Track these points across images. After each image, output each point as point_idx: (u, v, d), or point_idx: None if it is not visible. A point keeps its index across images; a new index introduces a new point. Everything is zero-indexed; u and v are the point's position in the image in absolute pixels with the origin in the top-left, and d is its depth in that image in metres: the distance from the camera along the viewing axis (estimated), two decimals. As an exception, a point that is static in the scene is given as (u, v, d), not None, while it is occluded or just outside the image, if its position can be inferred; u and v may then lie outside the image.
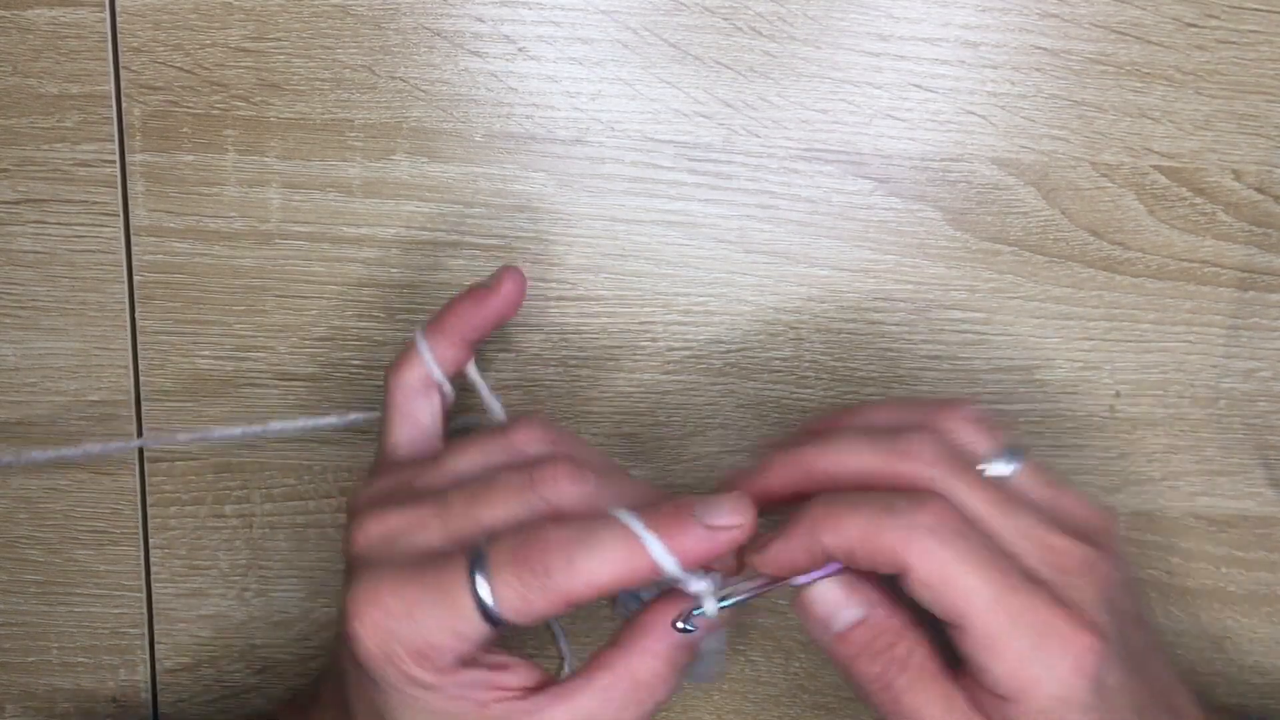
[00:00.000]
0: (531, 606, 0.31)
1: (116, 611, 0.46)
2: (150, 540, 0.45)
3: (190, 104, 0.40)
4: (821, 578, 0.33)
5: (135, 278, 0.42)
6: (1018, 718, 0.31)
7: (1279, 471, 0.43)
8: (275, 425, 0.42)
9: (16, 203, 0.41)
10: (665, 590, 0.33)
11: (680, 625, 0.32)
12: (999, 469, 0.33)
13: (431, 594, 0.31)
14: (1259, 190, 0.41)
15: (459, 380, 0.38)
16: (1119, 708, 0.32)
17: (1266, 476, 0.43)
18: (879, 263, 0.41)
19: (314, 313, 0.42)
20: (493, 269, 0.42)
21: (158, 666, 0.47)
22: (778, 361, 0.43)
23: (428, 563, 0.31)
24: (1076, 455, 0.43)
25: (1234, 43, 0.39)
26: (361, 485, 0.36)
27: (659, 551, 0.31)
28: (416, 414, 0.37)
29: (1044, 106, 0.40)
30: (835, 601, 0.33)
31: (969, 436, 0.33)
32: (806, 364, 0.42)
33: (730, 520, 0.31)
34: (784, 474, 0.33)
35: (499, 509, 0.32)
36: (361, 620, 0.31)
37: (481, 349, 0.42)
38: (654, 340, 0.42)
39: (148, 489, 0.45)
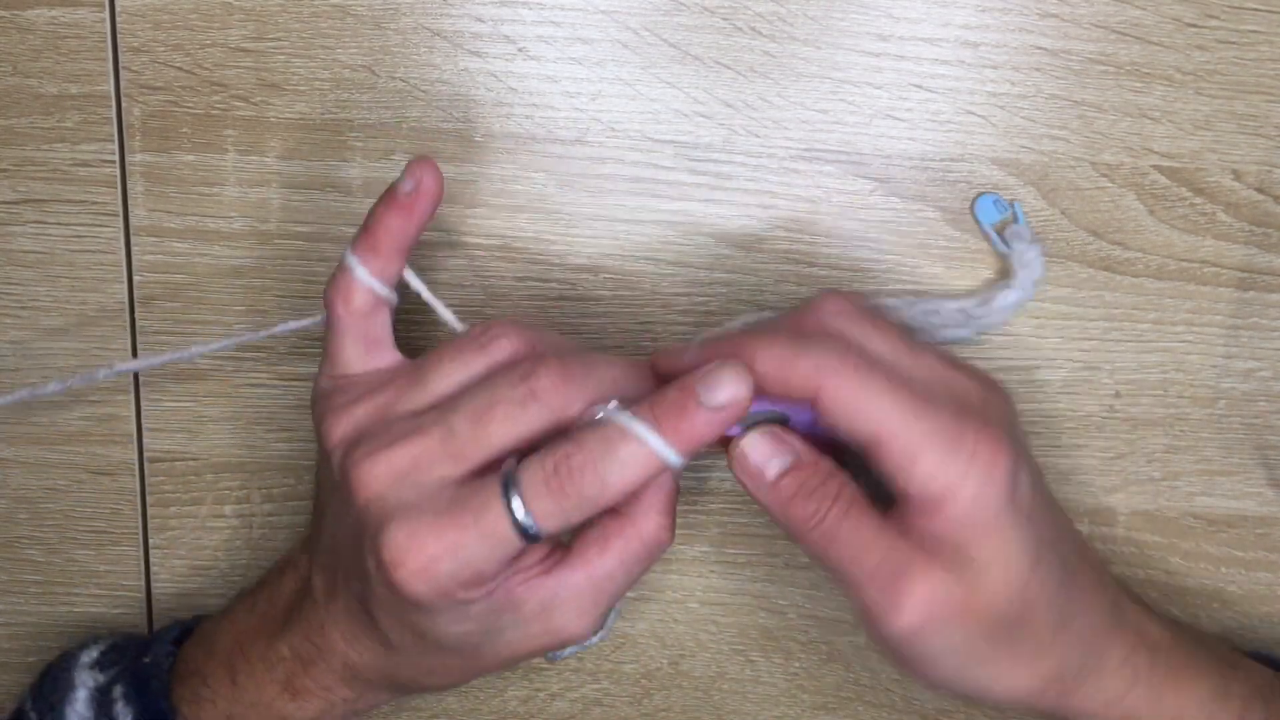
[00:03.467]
0: (570, 522, 0.33)
1: (116, 611, 0.46)
2: (150, 540, 0.45)
3: (190, 104, 0.40)
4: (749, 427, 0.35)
5: (135, 278, 0.42)
6: (943, 529, 0.33)
7: (1279, 471, 0.43)
8: (244, 337, 0.42)
9: (16, 203, 0.41)
10: None
11: None
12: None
13: (472, 529, 0.32)
14: (1259, 190, 0.41)
15: (399, 288, 0.38)
16: (1035, 520, 0.34)
17: (1266, 476, 0.43)
18: (879, 263, 0.41)
19: (314, 312, 0.42)
20: (493, 268, 0.42)
21: (158, 666, 0.47)
22: (778, 361, 0.43)
23: (458, 498, 0.33)
24: (1076, 455, 0.43)
25: (1234, 43, 0.39)
26: (329, 412, 0.36)
27: (671, 456, 0.33)
28: (367, 330, 0.37)
29: (1044, 106, 0.40)
30: (766, 451, 0.35)
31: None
32: (806, 364, 0.42)
33: (733, 396, 0.32)
34: (708, 357, 0.34)
35: (505, 426, 0.33)
36: (409, 569, 0.32)
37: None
38: (654, 340, 0.42)
39: (148, 489, 0.45)
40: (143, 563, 0.46)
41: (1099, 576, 0.37)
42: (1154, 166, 0.40)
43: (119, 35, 0.40)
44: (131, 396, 0.43)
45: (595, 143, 0.40)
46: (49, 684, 0.41)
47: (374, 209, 0.37)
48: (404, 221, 0.36)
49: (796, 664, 0.46)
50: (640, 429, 0.33)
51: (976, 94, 0.40)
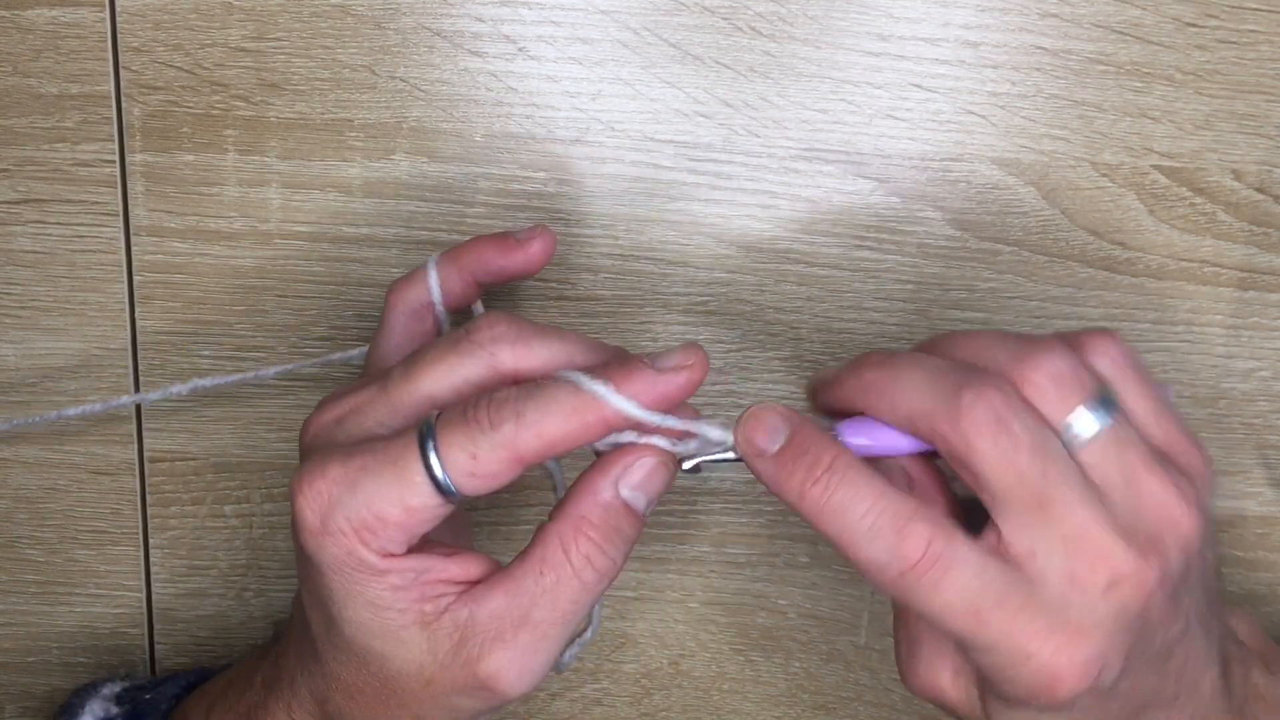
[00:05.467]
0: (481, 467, 0.30)
1: (116, 611, 0.46)
2: (150, 540, 0.45)
3: (190, 104, 0.40)
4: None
5: (135, 278, 0.42)
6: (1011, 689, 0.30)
7: (1279, 471, 0.43)
8: (270, 370, 0.41)
9: (16, 203, 0.41)
10: (600, 452, 0.32)
11: (687, 467, 0.32)
12: (1082, 427, 0.30)
13: (378, 462, 0.30)
14: (1259, 190, 0.41)
15: (460, 316, 0.37)
16: (1118, 694, 0.31)
17: (1266, 476, 0.43)
18: (879, 263, 0.41)
19: (314, 313, 0.42)
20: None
21: (158, 666, 0.47)
22: (777, 362, 0.43)
23: (378, 440, 0.31)
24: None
25: (1234, 43, 0.39)
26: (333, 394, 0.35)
27: (614, 397, 0.30)
28: (409, 333, 0.36)
29: (1044, 106, 0.40)
30: (769, 430, 0.32)
31: (1049, 394, 0.30)
32: (806, 364, 0.42)
33: (680, 360, 0.31)
34: (837, 396, 0.33)
35: (438, 371, 0.31)
36: (304, 494, 0.30)
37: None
38: (654, 340, 0.42)
39: (148, 489, 0.45)
40: (143, 563, 0.46)
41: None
42: (1154, 166, 0.40)
43: (119, 35, 0.40)
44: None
45: (595, 143, 0.40)
46: (64, 709, 0.41)
47: (478, 237, 0.37)
48: (497, 254, 0.36)
49: (796, 664, 0.46)
50: (573, 373, 0.30)
51: (976, 94, 0.40)
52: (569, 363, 0.32)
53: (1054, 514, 0.30)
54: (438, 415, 0.31)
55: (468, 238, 0.41)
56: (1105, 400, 0.30)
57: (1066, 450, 0.30)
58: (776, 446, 0.31)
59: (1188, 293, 0.42)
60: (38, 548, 0.45)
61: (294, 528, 0.31)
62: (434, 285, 0.36)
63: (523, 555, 0.32)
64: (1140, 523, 0.30)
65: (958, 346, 0.32)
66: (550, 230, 0.37)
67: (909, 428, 0.31)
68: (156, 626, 0.46)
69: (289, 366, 0.42)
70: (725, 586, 0.45)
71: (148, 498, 0.45)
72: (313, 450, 0.32)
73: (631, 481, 0.32)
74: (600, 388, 0.30)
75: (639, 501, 0.32)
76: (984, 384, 0.30)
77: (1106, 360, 0.31)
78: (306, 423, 0.33)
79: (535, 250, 0.36)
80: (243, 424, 0.44)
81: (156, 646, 0.47)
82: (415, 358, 0.32)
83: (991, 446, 0.29)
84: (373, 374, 0.35)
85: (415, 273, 0.37)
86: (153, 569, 0.46)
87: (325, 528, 0.30)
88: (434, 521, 0.31)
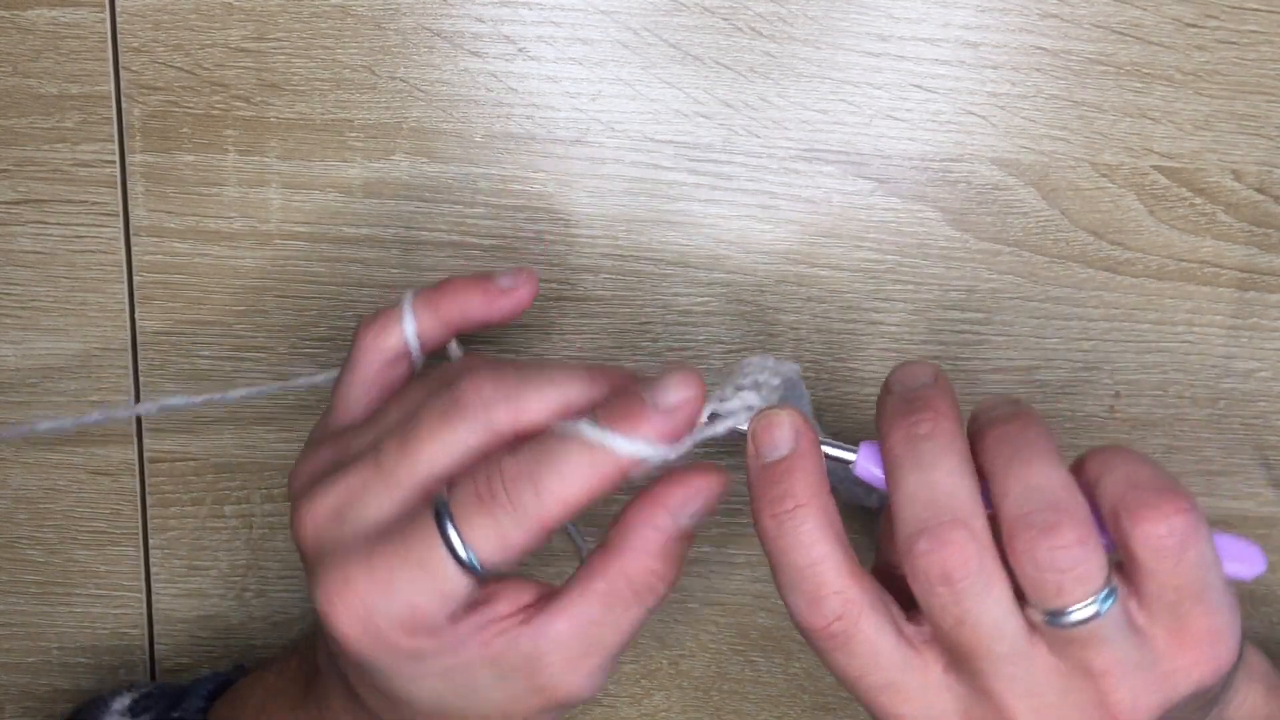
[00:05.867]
0: (511, 545, 0.29)
1: (116, 611, 0.46)
2: (150, 540, 0.45)
3: (190, 104, 0.40)
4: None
5: (135, 278, 0.42)
6: None
7: (1279, 471, 0.43)
8: (238, 393, 0.41)
9: (16, 203, 0.41)
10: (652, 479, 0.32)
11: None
12: (1080, 613, 0.29)
13: (403, 561, 0.29)
14: (1259, 190, 0.41)
15: (434, 357, 0.36)
16: None
17: (1266, 476, 0.43)
18: (879, 263, 0.41)
19: (314, 313, 0.42)
20: (492, 268, 0.42)
21: (157, 666, 0.47)
22: (778, 361, 0.43)
23: (390, 530, 0.30)
24: (1076, 455, 0.43)
25: (1234, 43, 0.39)
26: (301, 458, 0.34)
27: (627, 446, 0.29)
28: (381, 377, 0.35)
29: (1044, 106, 0.40)
30: (780, 438, 0.31)
31: (1048, 570, 0.29)
32: (806, 364, 0.42)
33: (682, 396, 0.30)
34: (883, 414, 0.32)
35: (435, 446, 0.30)
36: (337, 610, 0.30)
37: (477, 346, 0.42)
38: (654, 340, 0.42)
39: (148, 489, 0.45)
40: (143, 563, 0.46)
41: None
42: (1154, 166, 0.40)
43: (119, 35, 0.40)
44: (131, 397, 0.43)
45: (595, 143, 0.40)
46: None
47: (455, 279, 0.35)
48: (479, 303, 0.34)
49: (796, 664, 0.46)
50: (579, 426, 0.29)
51: (976, 94, 0.40)
52: (565, 407, 0.31)
53: (971, 668, 0.30)
54: (448, 492, 0.30)
55: (467, 238, 0.41)
56: (1110, 593, 0.29)
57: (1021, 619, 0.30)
58: (771, 458, 0.31)
59: (1188, 293, 0.42)
60: (38, 548, 0.45)
61: (331, 637, 0.30)
62: (411, 338, 0.34)
63: (583, 584, 0.31)
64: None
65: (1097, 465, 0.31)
66: (533, 272, 0.35)
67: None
68: (156, 626, 0.46)
69: (253, 391, 0.41)
70: (725, 586, 0.45)
71: (148, 498, 0.45)
72: (323, 556, 0.31)
73: (688, 511, 0.31)
74: (611, 440, 0.29)
75: (693, 520, 0.32)
76: (945, 538, 0.29)
77: (1155, 543, 0.29)
78: (301, 513, 0.31)
79: (522, 296, 0.35)
80: (243, 424, 0.44)
81: (156, 647, 0.47)
82: (408, 432, 0.31)
83: (927, 595, 0.29)
84: (343, 424, 0.34)
85: (388, 317, 0.35)
86: (153, 569, 0.46)
87: (369, 634, 0.30)
88: (471, 594, 0.30)
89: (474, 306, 0.35)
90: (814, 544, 0.30)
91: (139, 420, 0.44)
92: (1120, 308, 0.42)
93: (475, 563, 0.29)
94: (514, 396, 0.31)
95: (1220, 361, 0.42)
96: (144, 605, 0.46)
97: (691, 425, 0.31)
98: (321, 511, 0.31)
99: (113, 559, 0.46)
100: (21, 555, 0.46)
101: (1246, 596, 0.44)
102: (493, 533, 0.29)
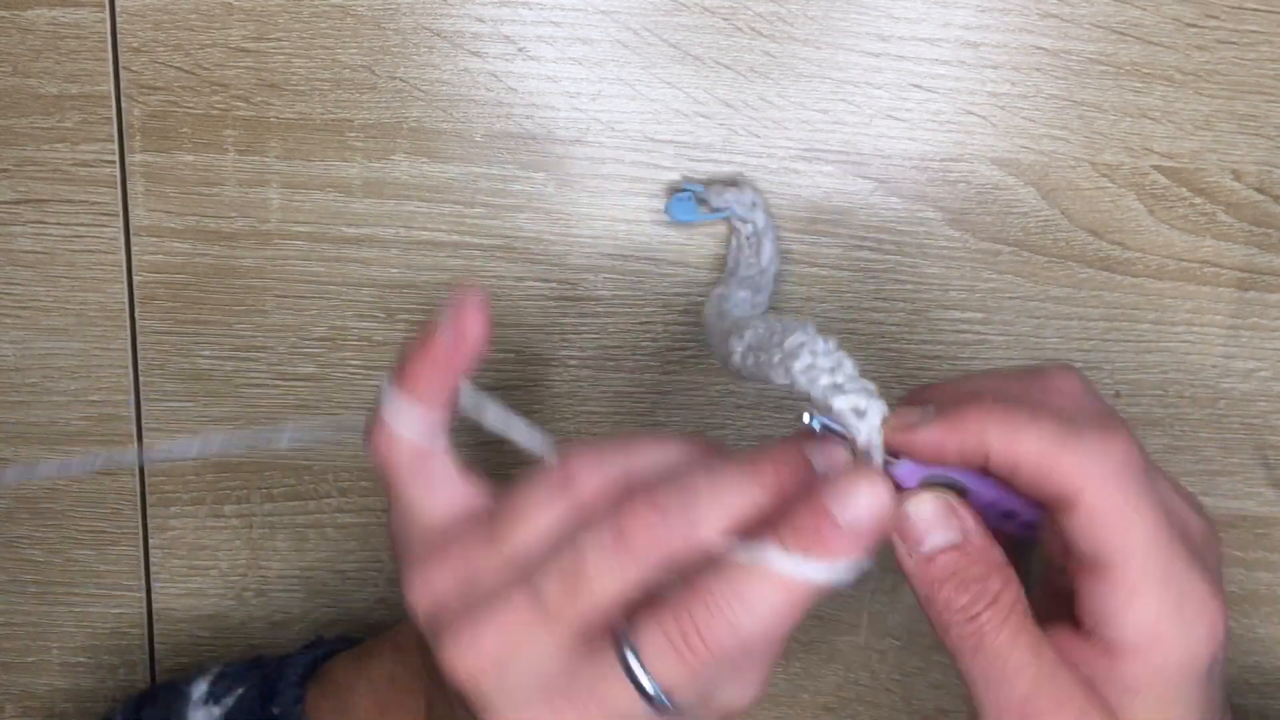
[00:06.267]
0: (709, 683, 0.29)
1: (116, 611, 0.46)
2: (150, 540, 0.45)
3: (190, 104, 0.40)
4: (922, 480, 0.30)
5: (135, 278, 0.42)
6: (1124, 676, 0.29)
7: (1279, 471, 0.43)
8: (240, 443, 0.41)
9: (16, 203, 0.41)
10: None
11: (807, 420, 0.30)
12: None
13: (593, 711, 0.28)
14: (1259, 190, 0.41)
15: (454, 416, 0.33)
16: (1213, 695, 0.30)
17: (1266, 476, 0.43)
18: (879, 263, 0.41)
19: (314, 313, 0.42)
20: (492, 269, 0.42)
21: (157, 666, 0.47)
22: (778, 361, 0.43)
23: (568, 675, 0.29)
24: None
25: (1234, 43, 0.39)
26: (414, 575, 0.31)
27: (824, 573, 0.28)
28: (424, 475, 0.32)
29: (1044, 106, 0.40)
30: (934, 520, 0.30)
31: None
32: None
33: (873, 507, 0.28)
34: (949, 441, 0.30)
35: (604, 585, 0.29)
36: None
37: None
38: (654, 340, 0.42)
39: (148, 489, 0.45)
40: (143, 563, 0.46)
41: None
42: (1154, 166, 0.40)
43: (119, 35, 0.40)
44: (131, 397, 0.43)
45: (595, 143, 0.40)
46: None
47: (412, 349, 0.31)
48: (443, 372, 0.31)
49: (796, 664, 0.46)
50: (769, 556, 0.28)
51: (976, 94, 0.40)
52: (737, 523, 0.29)
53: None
54: (627, 635, 0.29)
55: (467, 238, 0.41)
56: None
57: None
58: (934, 546, 0.30)
59: (1188, 293, 0.42)
60: (38, 548, 0.45)
61: None
62: (409, 435, 0.32)
63: None
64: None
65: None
66: (472, 293, 0.31)
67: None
68: (156, 626, 0.46)
69: (254, 439, 0.41)
70: (725, 586, 0.45)
71: (148, 498, 0.45)
72: (494, 708, 0.29)
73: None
74: (805, 569, 0.28)
75: None
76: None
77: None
78: (452, 656, 0.30)
79: (471, 334, 0.31)
80: (243, 424, 0.44)
81: (156, 646, 0.47)
82: (574, 574, 0.29)
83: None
84: (437, 530, 0.32)
85: (380, 427, 0.32)
86: (153, 569, 0.46)
87: None
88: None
89: (438, 375, 0.32)
90: (1029, 645, 0.29)
91: (139, 421, 0.44)
92: (1120, 307, 0.42)
93: (669, 702, 0.28)
94: (683, 523, 0.29)
95: (1220, 361, 0.42)
96: (144, 605, 0.46)
97: (884, 532, 0.29)
98: (478, 657, 0.29)
99: (113, 559, 0.46)
100: (21, 555, 0.46)
101: (1247, 597, 0.44)
102: (689, 676, 0.28)
